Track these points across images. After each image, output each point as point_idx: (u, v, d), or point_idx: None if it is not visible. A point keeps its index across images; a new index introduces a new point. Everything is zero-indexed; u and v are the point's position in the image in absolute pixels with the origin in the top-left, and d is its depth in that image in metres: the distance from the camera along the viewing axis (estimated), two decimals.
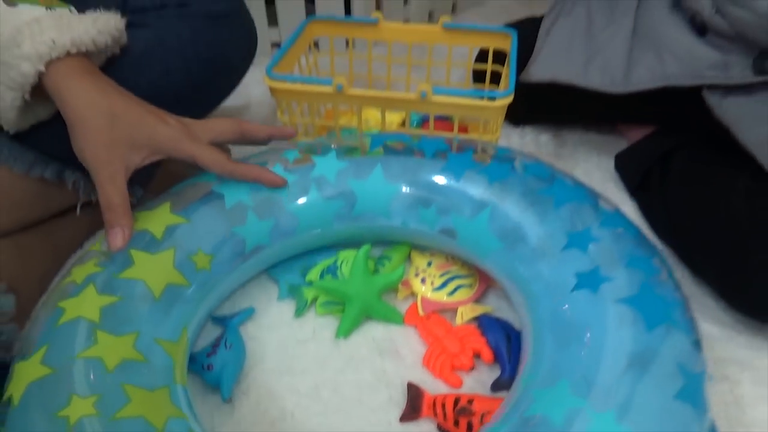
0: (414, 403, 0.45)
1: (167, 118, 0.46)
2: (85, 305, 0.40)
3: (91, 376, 0.37)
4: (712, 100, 0.55)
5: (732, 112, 0.53)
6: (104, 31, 0.47)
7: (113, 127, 0.43)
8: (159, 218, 0.47)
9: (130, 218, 0.43)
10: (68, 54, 0.43)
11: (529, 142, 0.73)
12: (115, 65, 0.51)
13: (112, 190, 0.42)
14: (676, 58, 0.58)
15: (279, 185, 0.50)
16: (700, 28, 0.58)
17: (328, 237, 0.54)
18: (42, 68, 0.42)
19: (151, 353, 0.40)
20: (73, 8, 0.47)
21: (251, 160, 0.53)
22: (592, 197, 0.47)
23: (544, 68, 0.64)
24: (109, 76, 0.47)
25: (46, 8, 0.45)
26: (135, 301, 0.42)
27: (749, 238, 0.47)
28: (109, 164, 0.43)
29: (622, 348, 0.36)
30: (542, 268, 0.43)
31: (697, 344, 0.37)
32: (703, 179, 0.55)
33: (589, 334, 0.37)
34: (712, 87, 0.56)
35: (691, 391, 0.34)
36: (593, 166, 0.69)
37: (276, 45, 0.95)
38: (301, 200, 0.51)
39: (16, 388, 0.37)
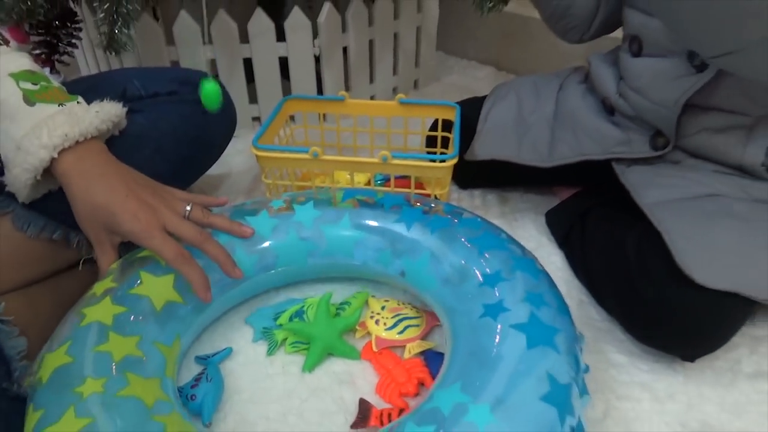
0: (364, 414, 0.53)
1: (139, 213, 0.52)
2: (101, 312, 0.51)
3: (102, 366, 0.46)
4: (618, 169, 0.67)
5: (632, 179, 0.65)
6: (106, 120, 0.57)
7: (95, 216, 0.52)
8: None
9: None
10: (77, 142, 0.53)
11: (478, 201, 0.84)
12: (115, 144, 0.60)
13: (101, 257, 0.54)
14: (589, 137, 0.70)
15: (247, 236, 0.59)
16: (609, 110, 0.70)
17: (302, 272, 0.65)
18: (56, 155, 0.52)
19: (149, 352, 0.50)
20: (80, 98, 0.57)
21: (246, 207, 0.63)
22: (508, 246, 0.57)
23: (484, 148, 0.76)
24: (111, 151, 0.56)
25: (59, 104, 0.55)
26: (140, 312, 0.52)
27: (637, 280, 0.56)
28: (96, 239, 0.54)
29: (507, 360, 0.46)
30: (461, 300, 0.54)
31: (570, 362, 0.47)
32: (608, 233, 0.65)
33: (485, 351, 0.47)
34: (619, 159, 0.67)
35: (556, 396, 0.44)
36: (530, 221, 0.80)
37: (256, 119, 1.06)
38: (281, 240, 0.61)
39: (44, 372, 0.46)
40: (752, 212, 0.58)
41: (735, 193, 0.60)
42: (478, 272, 0.55)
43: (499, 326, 0.49)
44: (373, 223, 0.62)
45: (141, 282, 0.54)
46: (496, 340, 0.48)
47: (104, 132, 0.58)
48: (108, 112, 0.58)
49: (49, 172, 0.53)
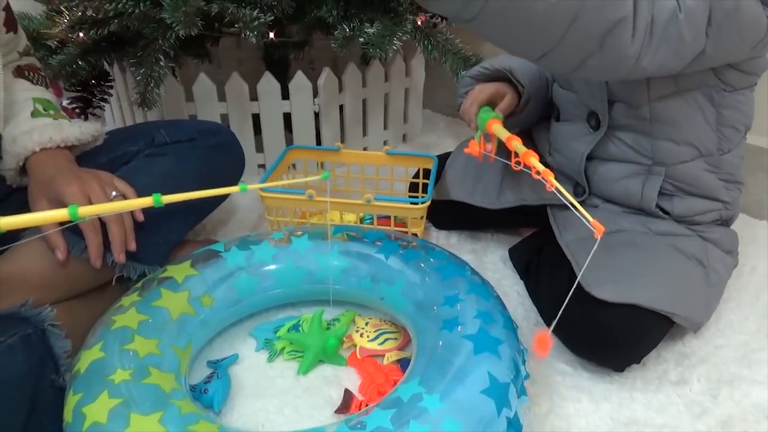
0: (346, 402, 0.64)
1: (74, 183, 0.65)
2: (128, 319, 0.62)
3: (129, 360, 0.57)
4: (551, 213, 0.80)
5: (559, 221, 0.78)
6: (86, 133, 0.75)
7: (44, 189, 0.66)
8: (182, 270, 0.69)
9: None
10: (58, 147, 0.70)
11: (453, 240, 0.96)
12: (145, 182, 0.73)
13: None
14: (528, 186, 0.83)
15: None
16: (545, 165, 0.83)
17: (297, 294, 0.76)
18: (37, 150, 0.69)
19: (166, 352, 0.61)
20: (70, 120, 0.74)
21: (250, 237, 0.75)
22: (467, 275, 0.69)
23: (445, 191, 0.89)
24: (140, 190, 0.70)
25: (53, 119, 0.73)
26: (160, 320, 0.63)
27: (568, 304, 0.68)
28: (37, 202, 0.67)
29: (456, 362, 0.56)
30: (426, 317, 0.65)
31: (511, 366, 0.57)
32: (552, 265, 0.77)
33: (441, 355, 0.58)
34: (552, 205, 0.80)
35: (495, 391, 0.54)
36: (498, 257, 0.92)
37: (261, 166, 1.19)
38: (280, 266, 0.73)
39: (82, 365, 0.57)
40: (650, 242, 0.70)
41: (638, 228, 0.72)
42: (441, 295, 0.66)
43: (453, 336, 0.60)
44: (358, 254, 0.74)
45: (161, 296, 0.66)
46: (450, 347, 0.58)
47: (85, 143, 0.75)
48: (89, 128, 0.76)
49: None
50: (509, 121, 0.78)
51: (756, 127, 0.77)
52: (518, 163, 0.58)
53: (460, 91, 0.85)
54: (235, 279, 0.71)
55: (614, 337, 0.65)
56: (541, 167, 0.53)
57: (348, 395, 0.65)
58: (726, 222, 0.76)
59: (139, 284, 0.68)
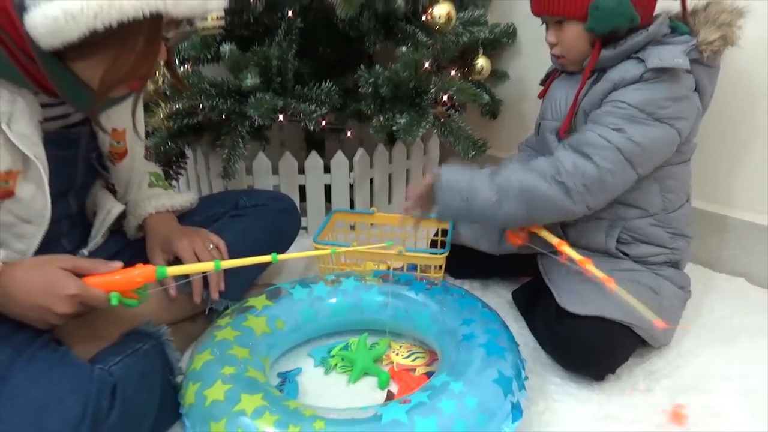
0: (389, 398, 0.83)
1: (185, 238, 0.88)
2: (226, 333, 0.83)
3: (232, 360, 0.78)
4: (539, 258, 1.00)
5: (546, 265, 0.98)
6: (187, 201, 0.99)
7: (160, 242, 0.89)
8: (260, 301, 0.91)
9: None
10: (167, 210, 0.93)
11: (467, 286, 1.16)
12: (230, 237, 0.95)
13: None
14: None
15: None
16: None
17: (345, 323, 0.96)
18: (153, 212, 0.91)
19: (255, 358, 0.81)
20: (175, 189, 0.97)
21: (309, 279, 0.96)
22: (479, 306, 0.90)
23: (457, 237, 1.11)
24: (227, 242, 0.92)
25: (164, 190, 0.96)
26: (248, 336, 0.84)
27: (553, 325, 0.89)
28: (154, 255, 0.90)
29: (473, 361, 0.77)
30: (449, 335, 0.85)
31: (514, 365, 0.77)
32: (544, 302, 0.96)
33: (462, 357, 0.78)
34: (542, 254, 1.01)
35: (502, 381, 0.74)
36: (504, 300, 1.12)
37: (304, 228, 1.42)
38: (333, 301, 0.95)
39: (197, 364, 0.77)
40: (613, 276, 0.87)
41: (605, 267, 0.91)
42: (459, 318, 0.87)
43: (470, 345, 0.81)
44: (393, 292, 0.95)
45: (247, 319, 0.87)
46: (468, 352, 0.79)
47: (186, 207, 0.99)
48: (188, 197, 1.00)
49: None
50: None
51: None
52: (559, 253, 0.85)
53: None
54: (299, 309, 0.93)
55: (589, 347, 0.85)
56: (578, 257, 0.81)
57: (390, 395, 0.85)
58: (675, 264, 0.97)
59: (229, 311, 0.90)
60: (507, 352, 0.80)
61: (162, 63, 0.75)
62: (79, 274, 0.69)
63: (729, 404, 0.85)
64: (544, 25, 0.97)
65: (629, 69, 0.87)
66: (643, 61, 0.85)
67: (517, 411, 0.75)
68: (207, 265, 0.79)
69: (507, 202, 0.86)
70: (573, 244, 0.99)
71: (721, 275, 1.21)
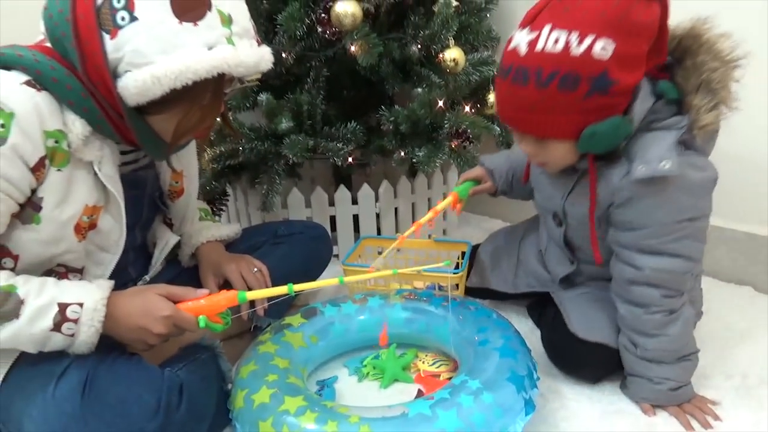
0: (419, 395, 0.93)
1: (232, 262, 1.02)
2: (268, 347, 0.94)
3: (274, 369, 0.88)
4: (552, 294, 1.07)
5: (557, 298, 1.05)
6: (233, 232, 1.11)
7: (213, 268, 1.02)
8: (296, 319, 1.02)
9: None
10: (216, 240, 1.05)
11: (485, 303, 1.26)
12: (270, 263, 1.08)
13: (208, 286, 1.01)
14: (535, 277, 1.14)
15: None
16: (541, 257, 1.15)
17: (373, 338, 1.05)
18: (204, 242, 1.04)
19: (294, 368, 0.92)
20: (217, 220, 1.09)
21: (339, 298, 1.08)
22: (493, 316, 1.00)
23: (474, 278, 1.22)
24: (266, 264, 1.04)
25: (212, 222, 1.09)
26: (287, 349, 0.95)
27: (555, 339, 0.98)
28: (206, 279, 1.02)
29: (489, 362, 0.86)
30: (466, 341, 0.95)
31: (525, 366, 0.86)
32: (551, 316, 1.04)
33: (479, 360, 0.88)
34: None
35: (515, 379, 0.83)
36: (514, 313, 1.21)
37: (335, 255, 1.54)
38: (361, 318, 1.05)
39: (243, 373, 0.89)
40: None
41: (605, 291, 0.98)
42: (475, 327, 0.97)
43: (485, 349, 0.90)
44: (414, 308, 1.06)
45: (285, 335, 0.98)
46: (484, 355, 0.89)
47: (232, 237, 1.11)
48: (234, 229, 1.12)
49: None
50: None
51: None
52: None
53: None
54: (331, 325, 1.04)
55: (587, 361, 0.94)
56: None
57: (420, 393, 0.96)
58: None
59: (269, 328, 1.02)
60: (519, 354, 0.89)
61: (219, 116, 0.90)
62: (173, 301, 0.82)
63: (730, 399, 0.92)
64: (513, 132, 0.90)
65: (621, 176, 0.84)
66: (630, 162, 0.82)
67: (530, 406, 0.83)
68: (281, 289, 0.86)
69: (685, 350, 0.89)
70: (596, 276, 1.02)
71: (729, 285, 1.28)
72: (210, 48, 0.72)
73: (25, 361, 0.78)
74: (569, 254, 1.04)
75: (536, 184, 1.05)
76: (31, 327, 0.72)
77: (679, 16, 0.84)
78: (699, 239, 0.86)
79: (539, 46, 0.77)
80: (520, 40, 0.80)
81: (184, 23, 0.71)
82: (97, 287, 0.77)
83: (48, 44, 0.76)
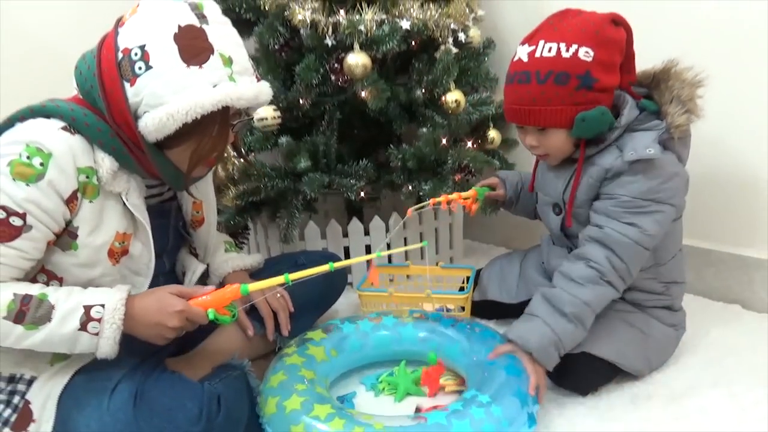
0: (417, 410, 1.02)
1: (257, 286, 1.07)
2: (294, 360, 1.04)
3: (302, 379, 0.98)
4: None
5: None
6: (256, 261, 1.21)
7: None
8: (317, 335, 1.13)
9: None
10: (241, 270, 1.15)
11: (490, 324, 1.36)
12: (290, 287, 1.18)
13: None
14: (535, 285, 1.22)
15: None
16: (545, 271, 1.25)
17: (387, 353, 1.16)
18: (231, 272, 1.14)
19: (319, 378, 1.02)
20: (243, 253, 1.20)
21: (355, 317, 1.18)
22: (498, 336, 1.09)
23: (480, 292, 1.32)
24: (290, 292, 1.15)
25: (237, 253, 1.19)
26: (311, 361, 1.05)
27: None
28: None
29: (496, 380, 0.95)
30: (475, 362, 1.04)
31: (527, 383, 0.94)
32: None
33: (487, 377, 0.97)
34: None
35: (520, 395, 0.92)
36: None
37: (349, 283, 1.64)
38: (376, 335, 1.15)
39: (273, 382, 0.98)
40: (608, 316, 1.04)
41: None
42: (484, 348, 1.06)
43: (493, 368, 0.99)
44: (425, 326, 1.16)
45: (308, 348, 1.08)
46: (492, 373, 0.98)
47: (255, 266, 1.21)
48: (257, 258, 1.22)
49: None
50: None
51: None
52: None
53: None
54: (349, 341, 1.14)
55: (569, 369, 1.02)
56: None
57: (418, 410, 1.04)
58: (669, 307, 1.11)
59: (293, 342, 1.11)
60: (523, 373, 0.98)
61: (231, 146, 1.01)
62: (184, 297, 0.89)
63: (716, 404, 1.00)
64: (519, 129, 1.09)
65: (614, 159, 1.00)
66: (622, 151, 0.99)
67: (532, 420, 0.92)
68: (278, 279, 0.93)
69: (586, 320, 0.99)
70: None
71: (718, 303, 1.37)
72: (214, 86, 0.84)
73: (79, 380, 0.88)
74: (567, 242, 1.16)
75: (540, 187, 1.19)
76: (61, 328, 0.81)
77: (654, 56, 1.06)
78: (658, 221, 0.99)
79: (537, 53, 0.99)
80: (522, 52, 1.02)
81: (191, 67, 0.83)
82: (117, 290, 0.86)
83: (80, 96, 0.90)
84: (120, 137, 0.87)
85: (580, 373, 1.03)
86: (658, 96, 1.03)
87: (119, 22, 0.87)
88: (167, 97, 0.82)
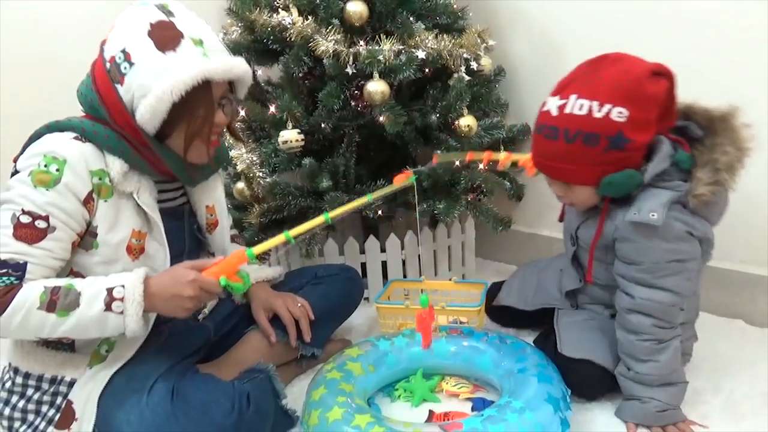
0: (429, 417, 1.09)
1: (279, 298, 1.21)
2: (334, 374, 1.10)
3: (342, 393, 1.04)
4: (555, 312, 1.23)
5: (558, 316, 1.21)
6: (278, 273, 1.30)
7: (262, 302, 1.21)
8: (354, 351, 1.19)
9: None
10: (264, 281, 1.24)
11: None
12: (312, 301, 1.26)
13: (263, 325, 1.22)
14: (547, 293, 1.30)
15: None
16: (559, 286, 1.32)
17: (416, 367, 1.21)
18: (254, 283, 1.19)
19: (357, 389, 1.07)
20: (261, 264, 1.29)
21: (389, 334, 1.25)
22: (527, 347, 1.15)
23: (501, 298, 1.38)
24: (308, 300, 1.23)
25: (259, 266, 1.27)
26: (350, 376, 1.11)
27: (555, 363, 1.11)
28: (258, 315, 1.22)
29: (527, 388, 1.00)
30: (506, 369, 1.10)
31: (559, 389, 1.00)
32: (553, 343, 1.19)
33: (519, 386, 1.02)
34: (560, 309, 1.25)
35: (552, 401, 0.97)
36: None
37: (366, 298, 1.71)
38: (411, 350, 1.21)
39: (315, 396, 1.04)
40: (609, 325, 1.11)
41: (604, 313, 1.13)
42: (514, 357, 1.12)
43: (524, 376, 1.04)
44: (454, 341, 1.21)
45: (346, 364, 1.14)
46: (524, 381, 1.03)
47: (276, 278, 1.29)
48: (278, 270, 1.31)
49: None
50: None
51: None
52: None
53: None
54: (385, 356, 1.20)
55: (581, 380, 1.08)
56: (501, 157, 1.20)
57: (430, 414, 1.11)
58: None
59: (332, 358, 1.18)
60: (554, 380, 1.04)
61: (226, 130, 1.09)
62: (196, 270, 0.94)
63: (717, 412, 1.05)
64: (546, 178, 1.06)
65: (624, 216, 0.98)
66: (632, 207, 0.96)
67: (565, 425, 0.97)
68: (279, 238, 0.99)
69: (675, 374, 1.02)
70: (599, 299, 1.19)
71: (722, 318, 1.42)
72: (190, 63, 0.91)
73: (118, 381, 0.96)
74: (578, 273, 1.20)
75: (566, 212, 1.21)
76: (89, 310, 0.87)
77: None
78: (687, 277, 0.99)
79: (567, 109, 0.95)
80: (552, 104, 0.98)
81: (167, 53, 0.91)
82: (135, 272, 0.93)
83: (86, 113, 0.99)
84: (126, 139, 0.95)
85: (579, 379, 1.08)
86: (698, 150, 0.97)
87: (103, 43, 0.97)
88: (152, 83, 0.90)
